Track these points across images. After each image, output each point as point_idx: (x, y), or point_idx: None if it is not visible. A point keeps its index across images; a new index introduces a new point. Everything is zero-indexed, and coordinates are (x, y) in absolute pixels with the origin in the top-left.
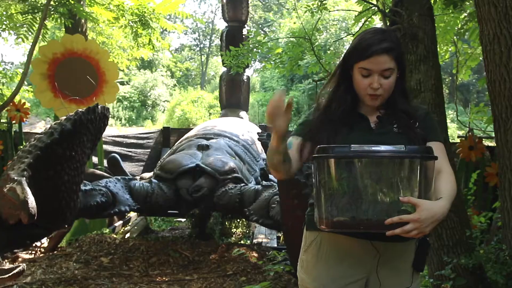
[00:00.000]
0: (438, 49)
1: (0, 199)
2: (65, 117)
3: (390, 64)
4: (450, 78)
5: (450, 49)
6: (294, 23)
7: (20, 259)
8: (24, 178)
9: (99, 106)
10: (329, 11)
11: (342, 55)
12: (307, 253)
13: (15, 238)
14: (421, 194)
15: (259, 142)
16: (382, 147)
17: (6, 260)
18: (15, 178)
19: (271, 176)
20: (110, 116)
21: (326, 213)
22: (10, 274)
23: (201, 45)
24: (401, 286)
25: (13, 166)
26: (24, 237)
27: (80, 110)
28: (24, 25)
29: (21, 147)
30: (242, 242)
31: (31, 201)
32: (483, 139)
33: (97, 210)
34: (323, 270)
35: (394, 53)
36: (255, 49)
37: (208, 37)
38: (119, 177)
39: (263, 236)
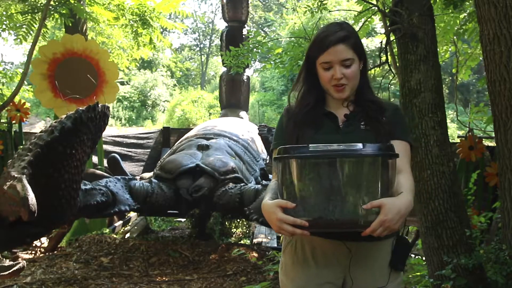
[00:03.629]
0: (438, 49)
1: (0, 197)
2: (65, 115)
3: (348, 53)
4: (450, 78)
5: (450, 49)
6: (295, 23)
7: (20, 259)
8: (24, 175)
9: (99, 105)
10: (329, 11)
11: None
12: (285, 255)
13: (15, 236)
14: (383, 192)
15: (260, 142)
16: (340, 146)
17: (7, 260)
18: (15, 175)
19: (271, 176)
20: (110, 116)
21: (293, 213)
22: (10, 271)
23: (201, 45)
24: (374, 285)
25: (13, 164)
26: (24, 235)
27: (81, 108)
28: (24, 25)
29: (21, 147)
30: (242, 242)
31: (31, 198)
32: (483, 139)
33: (97, 210)
34: (299, 272)
35: (350, 42)
36: (255, 49)
37: (208, 37)
38: (119, 177)
39: (263, 236)
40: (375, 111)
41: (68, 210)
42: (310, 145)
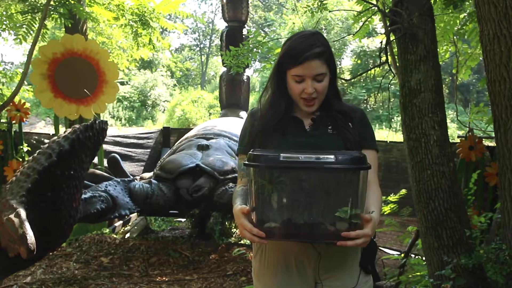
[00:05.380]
0: (438, 49)
1: None
2: (63, 135)
3: (321, 68)
4: (450, 78)
5: (450, 49)
6: (293, 23)
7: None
8: (23, 204)
9: (96, 122)
10: (329, 11)
11: (276, 60)
12: (256, 260)
13: (15, 262)
14: (354, 201)
15: None
16: (312, 157)
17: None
18: (14, 205)
19: None
20: (110, 116)
21: (263, 215)
22: None
23: (201, 45)
24: (345, 286)
25: (11, 190)
26: (24, 261)
27: (78, 127)
28: (24, 25)
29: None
30: (242, 242)
31: (30, 236)
32: (483, 139)
33: (98, 217)
34: (271, 277)
35: (324, 57)
36: (255, 49)
37: (208, 37)
38: (119, 180)
39: None
40: (342, 121)
41: (68, 229)
42: (281, 154)
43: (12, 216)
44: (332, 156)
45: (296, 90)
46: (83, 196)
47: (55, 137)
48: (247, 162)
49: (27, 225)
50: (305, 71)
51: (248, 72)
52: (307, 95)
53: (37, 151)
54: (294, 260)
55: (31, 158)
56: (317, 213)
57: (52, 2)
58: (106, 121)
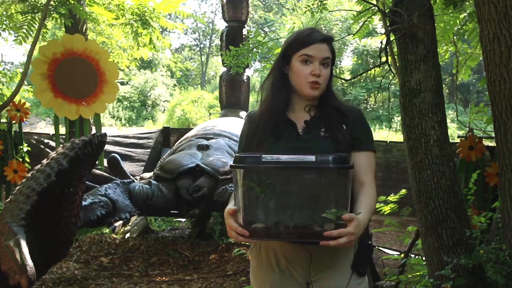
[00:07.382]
0: (438, 49)
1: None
2: (61, 152)
3: (329, 53)
4: (450, 78)
5: (450, 49)
6: (294, 23)
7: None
8: (23, 228)
9: (95, 136)
10: (329, 11)
11: (276, 58)
12: (252, 258)
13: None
14: (339, 201)
15: None
16: (286, 157)
17: None
18: (14, 230)
19: None
20: (110, 117)
21: (248, 216)
22: None
23: (201, 45)
24: (335, 286)
25: (11, 212)
26: None
27: (77, 143)
28: (24, 25)
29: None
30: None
31: (30, 267)
32: (483, 139)
33: (98, 222)
34: (264, 275)
35: (331, 46)
36: (255, 49)
37: (208, 37)
38: (118, 182)
39: None
40: (336, 118)
41: (68, 245)
42: (263, 155)
43: (11, 243)
44: (313, 157)
45: (304, 71)
46: (83, 203)
47: (54, 153)
48: (232, 164)
49: (27, 255)
50: (315, 52)
51: (248, 72)
52: (315, 77)
53: (36, 168)
54: (284, 261)
55: (29, 175)
56: (300, 214)
57: (52, 2)
58: (105, 133)
